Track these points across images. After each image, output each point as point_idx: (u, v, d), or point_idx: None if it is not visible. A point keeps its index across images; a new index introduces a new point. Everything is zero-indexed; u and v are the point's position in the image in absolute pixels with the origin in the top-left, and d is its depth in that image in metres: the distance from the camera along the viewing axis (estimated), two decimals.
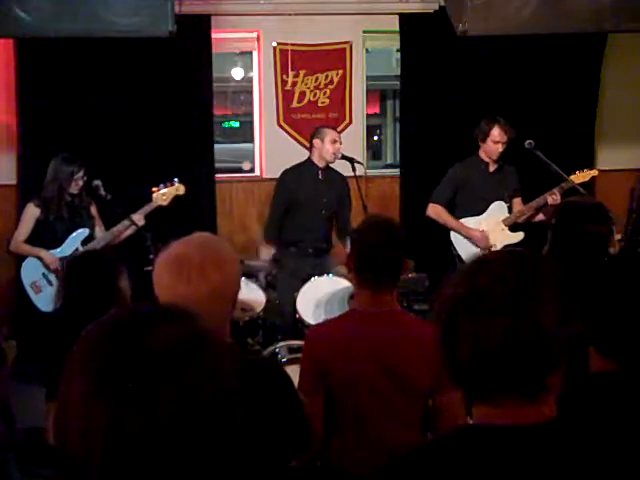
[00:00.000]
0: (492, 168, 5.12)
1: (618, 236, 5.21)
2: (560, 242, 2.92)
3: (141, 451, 0.88)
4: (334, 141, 4.98)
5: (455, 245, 5.11)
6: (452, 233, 5.13)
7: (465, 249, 5.06)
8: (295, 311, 4.54)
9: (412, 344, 2.32)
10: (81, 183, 4.78)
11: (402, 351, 2.31)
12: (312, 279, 4.68)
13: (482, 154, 5.12)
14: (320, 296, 4.57)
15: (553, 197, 4.85)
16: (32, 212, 4.80)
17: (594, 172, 5.09)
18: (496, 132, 4.98)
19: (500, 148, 4.98)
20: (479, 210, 5.08)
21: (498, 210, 5.05)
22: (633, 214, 6.36)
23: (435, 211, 5.17)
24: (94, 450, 0.89)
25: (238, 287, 1.82)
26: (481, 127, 5.07)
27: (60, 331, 2.70)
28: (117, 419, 0.88)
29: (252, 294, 4.88)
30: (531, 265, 1.20)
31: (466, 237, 5.07)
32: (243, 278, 4.94)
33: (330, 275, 4.75)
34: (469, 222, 5.08)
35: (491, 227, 5.02)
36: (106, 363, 0.92)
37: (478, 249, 4.97)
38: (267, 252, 5.03)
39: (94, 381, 0.91)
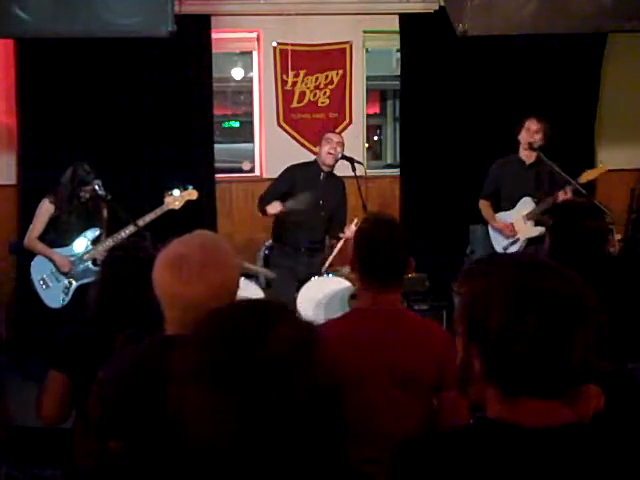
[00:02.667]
0: (529, 162, 5.25)
1: (618, 236, 5.23)
2: (559, 241, 2.93)
3: (266, 448, 0.92)
4: (328, 140, 5.02)
5: (491, 235, 5.39)
6: (489, 225, 5.41)
7: (496, 240, 5.35)
8: (295, 311, 4.53)
9: (417, 343, 2.32)
10: (88, 196, 4.77)
11: (407, 350, 2.31)
12: (312, 279, 4.69)
13: (520, 151, 5.27)
14: (320, 296, 4.58)
15: (562, 194, 4.94)
16: (47, 208, 4.79)
17: (604, 168, 5.15)
18: (530, 121, 5.16)
19: (534, 136, 5.14)
20: (515, 203, 5.29)
21: (524, 204, 5.24)
22: (633, 214, 6.35)
23: (481, 204, 5.43)
24: (222, 448, 0.92)
25: (237, 288, 1.82)
26: (520, 123, 5.26)
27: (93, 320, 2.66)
28: (245, 420, 0.91)
29: (252, 294, 4.88)
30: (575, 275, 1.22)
31: (494, 228, 5.36)
32: (243, 278, 4.93)
33: (330, 275, 4.75)
34: (501, 216, 5.33)
35: (516, 220, 5.24)
36: (231, 367, 0.94)
37: (506, 240, 5.28)
38: (276, 207, 4.95)
39: (219, 386, 0.93)
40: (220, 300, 1.72)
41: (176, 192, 4.94)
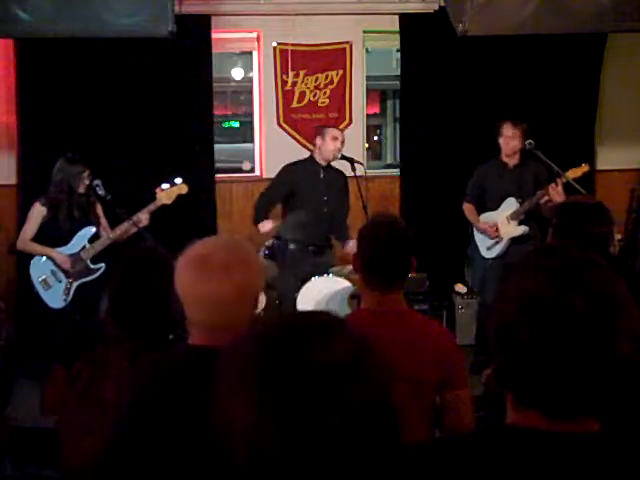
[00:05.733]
0: (511, 165, 5.30)
1: (618, 236, 5.23)
2: (562, 241, 2.91)
3: (311, 466, 0.87)
4: (334, 138, 4.99)
5: (475, 236, 5.43)
6: (474, 227, 5.45)
7: (481, 240, 5.40)
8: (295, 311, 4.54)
9: (420, 343, 2.32)
10: (87, 182, 4.79)
11: (410, 350, 2.30)
12: (312, 279, 4.68)
13: (502, 155, 5.31)
14: (320, 296, 4.57)
15: (552, 186, 4.94)
16: (39, 211, 4.80)
17: (585, 168, 5.13)
18: (506, 128, 5.18)
19: (512, 142, 5.17)
20: (499, 205, 5.34)
21: (508, 205, 5.28)
22: (633, 214, 6.35)
23: (464, 208, 5.48)
24: (267, 465, 0.87)
25: (260, 287, 1.80)
26: (496, 127, 5.27)
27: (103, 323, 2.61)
28: (289, 436, 0.87)
29: None
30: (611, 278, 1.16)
31: (478, 230, 5.40)
32: None
33: (330, 275, 4.75)
34: (485, 217, 5.38)
35: (500, 221, 5.29)
36: (276, 381, 0.89)
37: (490, 240, 5.32)
38: (267, 226, 4.94)
39: (264, 397, 0.88)
40: (244, 301, 1.70)
41: (165, 186, 4.91)
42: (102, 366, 2.28)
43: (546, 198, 4.96)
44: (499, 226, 5.27)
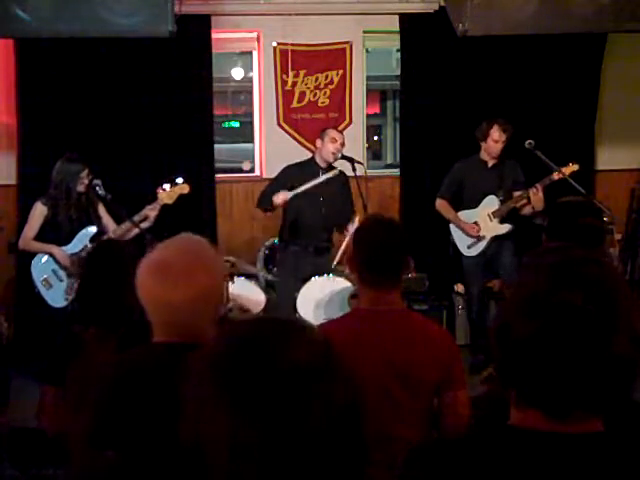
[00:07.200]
0: (491, 164, 5.34)
1: (618, 236, 5.23)
2: (555, 240, 2.90)
3: (281, 465, 0.89)
4: (334, 140, 4.99)
5: (453, 234, 5.42)
6: (451, 224, 5.43)
7: (460, 239, 5.38)
8: (295, 311, 4.54)
9: (418, 343, 2.32)
10: (87, 182, 4.78)
11: (409, 350, 2.31)
12: (312, 279, 4.68)
13: (482, 153, 5.35)
14: (320, 296, 4.58)
15: (533, 191, 5.01)
16: (40, 210, 4.79)
17: (574, 167, 5.14)
18: (495, 132, 5.20)
19: (500, 146, 5.21)
20: (478, 203, 5.34)
21: (489, 203, 5.30)
22: (633, 214, 6.35)
23: (439, 204, 5.47)
24: (248, 471, 0.89)
25: (223, 288, 1.80)
26: (482, 128, 5.29)
27: (71, 320, 2.65)
28: (264, 438, 0.88)
29: (252, 294, 4.88)
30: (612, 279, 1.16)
31: (459, 228, 5.38)
32: (242, 278, 4.94)
33: (330, 275, 4.75)
34: (464, 214, 5.37)
35: (482, 219, 5.30)
36: (246, 384, 0.91)
37: (471, 239, 5.32)
38: (281, 196, 4.88)
39: (235, 402, 0.90)
40: (208, 302, 1.72)
41: (167, 186, 4.90)
42: (91, 369, 2.26)
43: (524, 201, 5.01)
44: (480, 224, 5.27)
